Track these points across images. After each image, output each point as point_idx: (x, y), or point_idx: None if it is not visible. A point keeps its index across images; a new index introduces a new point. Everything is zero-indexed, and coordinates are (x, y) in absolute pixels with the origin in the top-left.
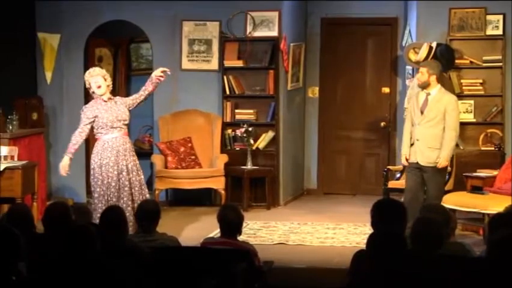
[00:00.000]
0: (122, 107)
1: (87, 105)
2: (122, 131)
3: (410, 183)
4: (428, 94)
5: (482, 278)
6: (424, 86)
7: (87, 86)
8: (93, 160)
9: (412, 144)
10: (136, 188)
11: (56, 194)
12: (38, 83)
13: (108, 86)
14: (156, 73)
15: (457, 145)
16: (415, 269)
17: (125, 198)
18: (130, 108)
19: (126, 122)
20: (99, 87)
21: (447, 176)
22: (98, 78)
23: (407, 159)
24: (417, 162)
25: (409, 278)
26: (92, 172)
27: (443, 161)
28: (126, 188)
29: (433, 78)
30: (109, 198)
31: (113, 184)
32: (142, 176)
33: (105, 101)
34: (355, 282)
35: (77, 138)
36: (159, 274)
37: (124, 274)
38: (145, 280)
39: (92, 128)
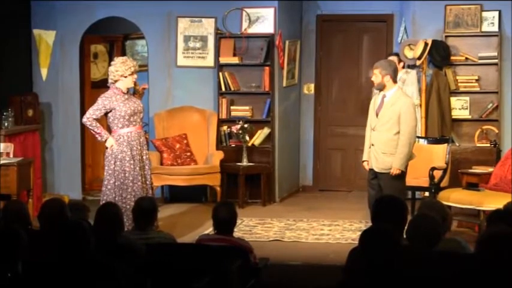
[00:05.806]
0: (135, 98)
1: (106, 95)
2: (137, 125)
3: (372, 196)
4: (384, 96)
5: (478, 274)
6: (380, 87)
7: (121, 72)
8: (108, 152)
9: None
10: (140, 183)
11: (51, 191)
12: (33, 79)
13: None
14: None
15: (452, 141)
16: (411, 265)
17: (138, 192)
18: None
19: (142, 115)
20: (134, 83)
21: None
22: (134, 76)
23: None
24: (373, 169)
25: (404, 275)
26: (107, 163)
27: (394, 170)
28: (139, 183)
29: (387, 78)
30: (122, 192)
31: (131, 178)
32: (147, 167)
33: (124, 93)
34: (349, 279)
35: (97, 124)
36: (155, 271)
37: (120, 271)
38: (141, 277)
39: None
